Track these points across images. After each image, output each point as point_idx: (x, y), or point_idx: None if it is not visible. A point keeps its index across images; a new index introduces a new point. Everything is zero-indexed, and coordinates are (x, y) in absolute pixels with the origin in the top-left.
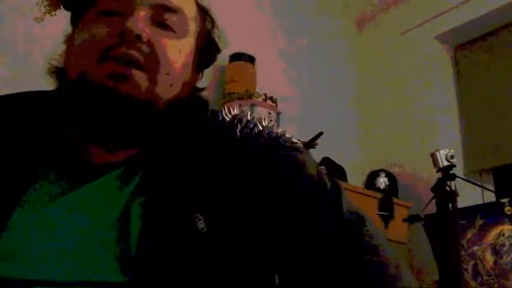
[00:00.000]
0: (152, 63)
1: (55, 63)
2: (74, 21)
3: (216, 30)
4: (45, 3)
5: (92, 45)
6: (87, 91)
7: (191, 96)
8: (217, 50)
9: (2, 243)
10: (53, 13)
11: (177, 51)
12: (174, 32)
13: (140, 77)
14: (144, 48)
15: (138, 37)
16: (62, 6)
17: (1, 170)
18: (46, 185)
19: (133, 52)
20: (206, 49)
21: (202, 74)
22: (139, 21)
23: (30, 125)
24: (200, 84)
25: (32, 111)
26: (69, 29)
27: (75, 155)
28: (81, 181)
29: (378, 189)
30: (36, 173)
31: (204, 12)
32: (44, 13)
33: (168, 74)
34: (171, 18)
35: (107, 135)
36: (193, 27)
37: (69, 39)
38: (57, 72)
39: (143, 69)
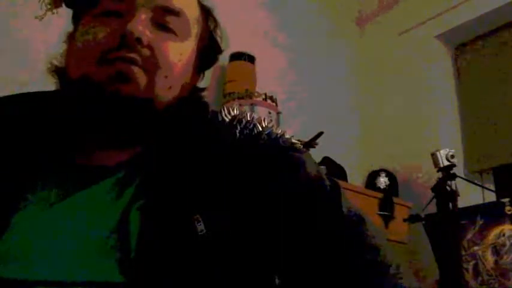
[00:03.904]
0: (152, 67)
1: (56, 62)
2: (76, 20)
3: (218, 31)
4: (46, 1)
5: (92, 46)
6: (88, 92)
7: (190, 97)
8: (218, 50)
9: (4, 244)
10: (54, 11)
11: (178, 54)
12: (176, 34)
13: (141, 76)
14: (144, 51)
15: (139, 40)
16: (63, 4)
17: (2, 172)
18: (47, 187)
19: (133, 55)
20: (208, 50)
21: (204, 75)
22: (140, 24)
23: (31, 126)
24: (200, 84)
25: (32, 112)
26: (70, 28)
27: (75, 156)
28: (81, 184)
29: (378, 189)
30: (37, 175)
31: (206, 12)
32: (46, 11)
33: (167, 76)
34: (172, 21)
35: (108, 135)
36: (195, 29)
37: (70, 39)
38: (59, 72)
39: (143, 69)
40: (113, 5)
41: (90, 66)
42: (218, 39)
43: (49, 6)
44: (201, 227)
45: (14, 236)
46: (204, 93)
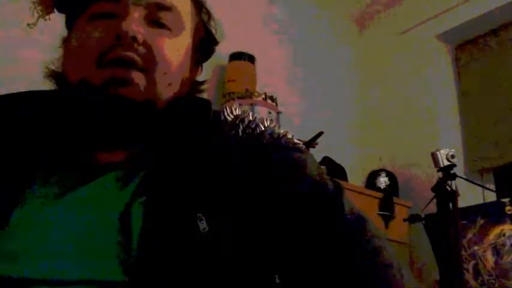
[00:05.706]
0: (149, 64)
1: (52, 67)
2: (69, 24)
3: (212, 22)
4: (38, 8)
5: (88, 49)
6: (88, 96)
7: (192, 94)
8: (214, 42)
9: (3, 242)
10: (46, 17)
11: (175, 49)
12: (170, 30)
13: (139, 78)
14: (141, 49)
15: (134, 39)
16: (55, 10)
17: (1, 169)
18: (46, 185)
19: (130, 54)
20: (204, 43)
21: (202, 68)
22: (134, 23)
23: (31, 124)
24: (200, 79)
25: (32, 110)
26: (65, 33)
27: (76, 155)
28: (81, 181)
29: (379, 189)
30: (37, 173)
31: (199, 5)
32: (38, 18)
33: (166, 73)
34: (165, 17)
35: (109, 136)
36: (189, 22)
37: (66, 43)
38: (55, 77)
39: (141, 71)
40: (105, 7)
41: (88, 69)
42: (213, 30)
43: (41, 13)
44: (203, 225)
45: (14, 233)
46: (204, 87)
